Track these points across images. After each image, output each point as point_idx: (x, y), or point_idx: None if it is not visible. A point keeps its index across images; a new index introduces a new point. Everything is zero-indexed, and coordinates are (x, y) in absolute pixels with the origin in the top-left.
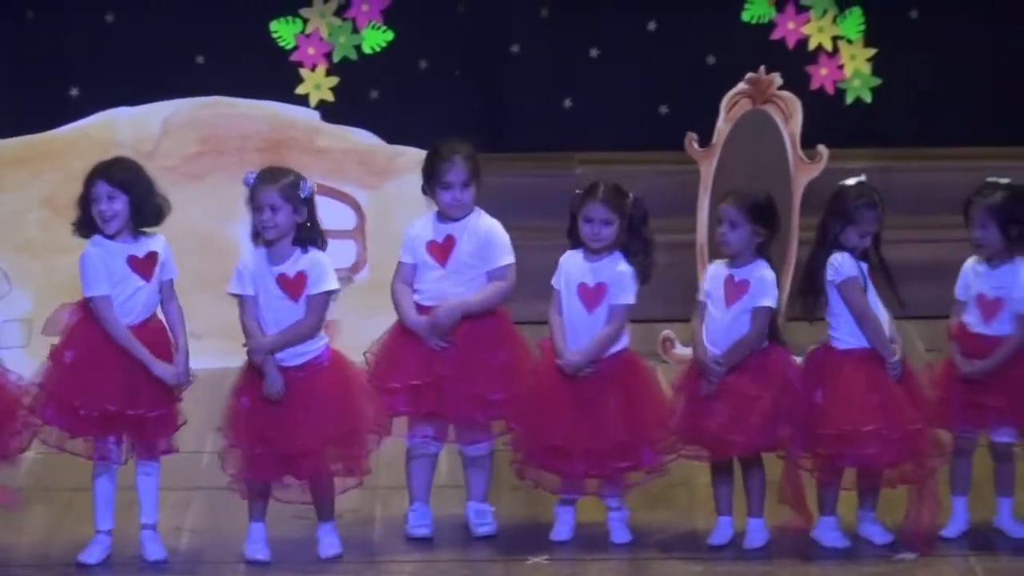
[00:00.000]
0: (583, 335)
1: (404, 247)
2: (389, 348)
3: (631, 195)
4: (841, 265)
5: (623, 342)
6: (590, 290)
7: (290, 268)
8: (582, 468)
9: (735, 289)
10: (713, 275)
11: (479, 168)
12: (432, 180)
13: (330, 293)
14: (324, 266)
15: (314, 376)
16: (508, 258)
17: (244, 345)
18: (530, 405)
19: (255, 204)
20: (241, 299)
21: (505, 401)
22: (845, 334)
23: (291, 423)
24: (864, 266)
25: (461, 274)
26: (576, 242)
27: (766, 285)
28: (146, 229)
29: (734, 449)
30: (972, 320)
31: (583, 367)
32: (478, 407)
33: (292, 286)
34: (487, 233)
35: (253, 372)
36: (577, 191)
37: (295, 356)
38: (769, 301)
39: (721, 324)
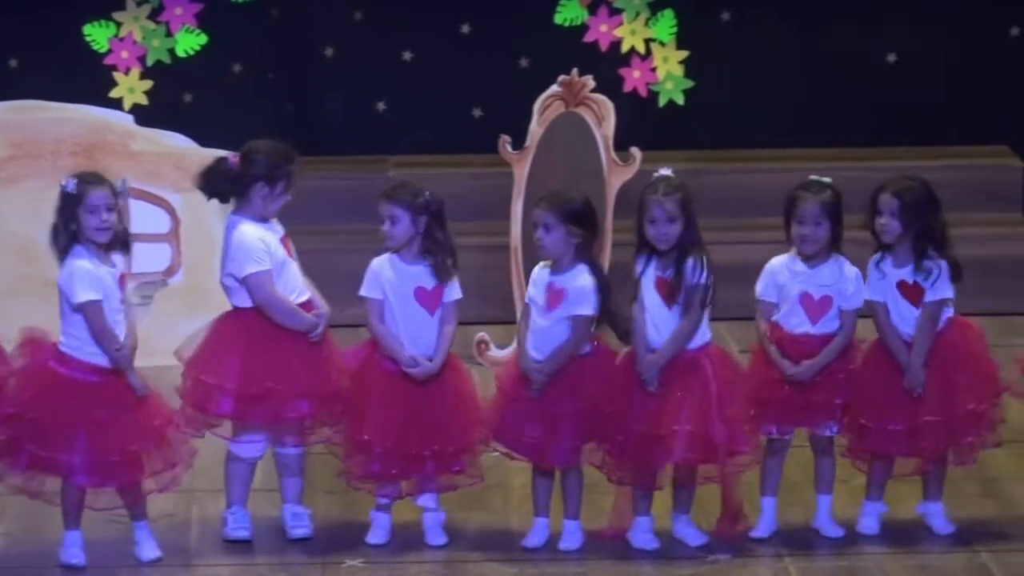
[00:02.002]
0: (426, 339)
1: (263, 254)
2: (219, 351)
3: (426, 192)
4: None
5: None
6: (429, 293)
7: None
8: (404, 470)
9: (555, 296)
10: (537, 279)
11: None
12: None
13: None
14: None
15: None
16: None
17: (117, 349)
18: (354, 410)
19: (91, 205)
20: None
21: (326, 402)
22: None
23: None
24: (660, 272)
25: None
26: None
27: (584, 294)
28: None
29: (556, 460)
30: (796, 320)
31: (440, 369)
32: (301, 409)
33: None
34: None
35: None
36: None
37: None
38: (586, 310)
39: (543, 329)
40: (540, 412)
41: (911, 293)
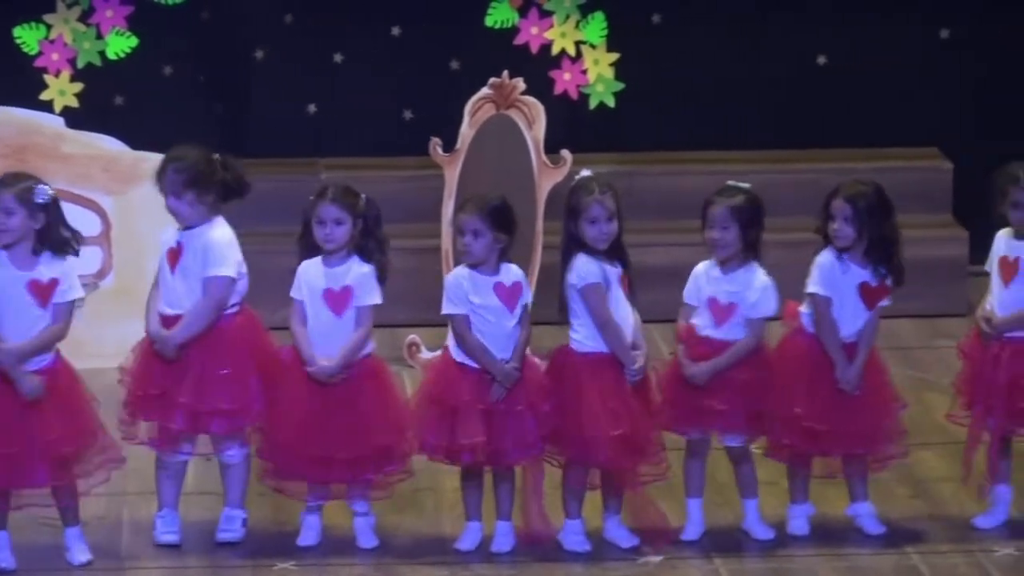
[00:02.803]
0: (334, 341)
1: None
2: (142, 356)
3: (363, 196)
4: (583, 269)
5: (370, 345)
6: (336, 295)
7: (43, 274)
8: (334, 474)
9: (511, 294)
10: (478, 287)
11: (198, 176)
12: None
13: (74, 302)
14: (73, 275)
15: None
16: (224, 269)
17: None
18: (279, 415)
19: None
20: None
21: (245, 410)
22: (586, 337)
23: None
24: (616, 270)
25: (189, 281)
26: (310, 250)
27: (526, 284)
28: None
29: (507, 460)
30: (703, 323)
31: (338, 373)
32: (227, 417)
33: (43, 292)
34: (207, 241)
35: None
36: (310, 197)
37: (31, 363)
38: (529, 297)
39: (510, 331)
40: (492, 414)
41: (870, 296)
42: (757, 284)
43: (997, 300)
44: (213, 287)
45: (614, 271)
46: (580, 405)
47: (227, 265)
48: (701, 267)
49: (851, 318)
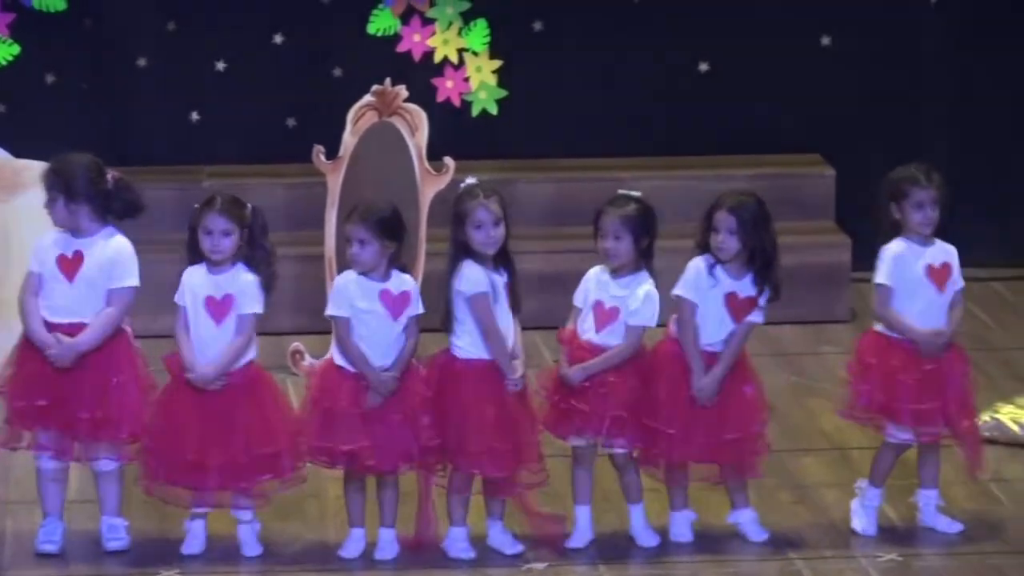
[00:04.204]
0: (212, 348)
1: (34, 256)
2: (19, 362)
3: (249, 205)
4: (472, 277)
5: (252, 353)
6: (217, 303)
7: None
8: (216, 481)
9: (398, 301)
10: (362, 292)
11: (70, 183)
12: None
13: None
14: None
15: None
16: (130, 280)
17: None
18: (160, 421)
19: None
20: None
21: (130, 418)
22: (469, 344)
23: None
24: (502, 278)
25: (89, 290)
26: (197, 256)
27: (417, 294)
28: None
29: (385, 466)
30: (585, 327)
31: (214, 380)
32: (103, 427)
33: None
34: (114, 252)
35: None
36: (195, 205)
37: None
38: (420, 308)
39: (392, 338)
40: (370, 419)
41: (738, 308)
42: (640, 292)
43: (934, 310)
44: (120, 297)
45: (500, 279)
46: (465, 416)
47: (133, 275)
48: (593, 271)
49: (715, 327)
